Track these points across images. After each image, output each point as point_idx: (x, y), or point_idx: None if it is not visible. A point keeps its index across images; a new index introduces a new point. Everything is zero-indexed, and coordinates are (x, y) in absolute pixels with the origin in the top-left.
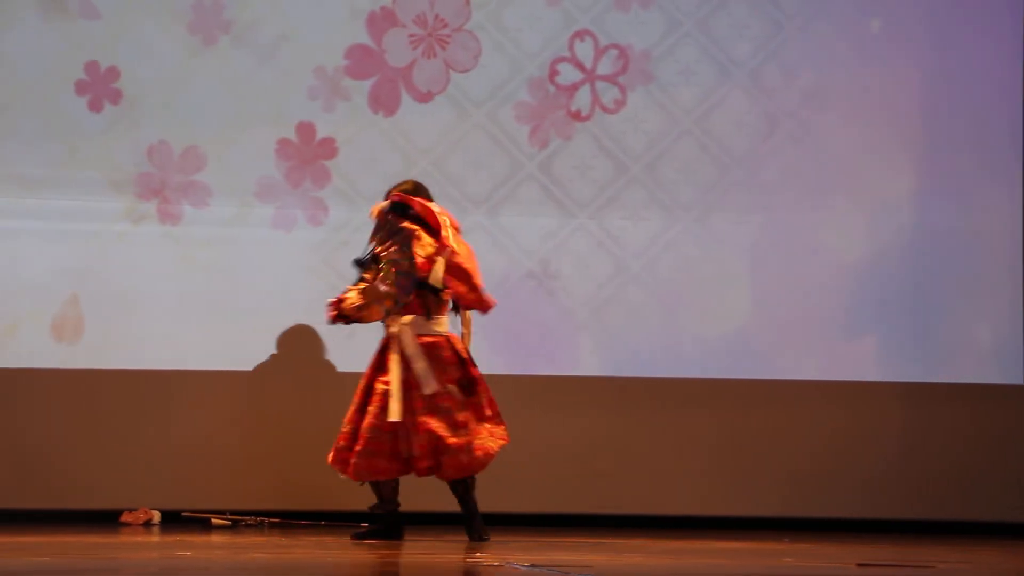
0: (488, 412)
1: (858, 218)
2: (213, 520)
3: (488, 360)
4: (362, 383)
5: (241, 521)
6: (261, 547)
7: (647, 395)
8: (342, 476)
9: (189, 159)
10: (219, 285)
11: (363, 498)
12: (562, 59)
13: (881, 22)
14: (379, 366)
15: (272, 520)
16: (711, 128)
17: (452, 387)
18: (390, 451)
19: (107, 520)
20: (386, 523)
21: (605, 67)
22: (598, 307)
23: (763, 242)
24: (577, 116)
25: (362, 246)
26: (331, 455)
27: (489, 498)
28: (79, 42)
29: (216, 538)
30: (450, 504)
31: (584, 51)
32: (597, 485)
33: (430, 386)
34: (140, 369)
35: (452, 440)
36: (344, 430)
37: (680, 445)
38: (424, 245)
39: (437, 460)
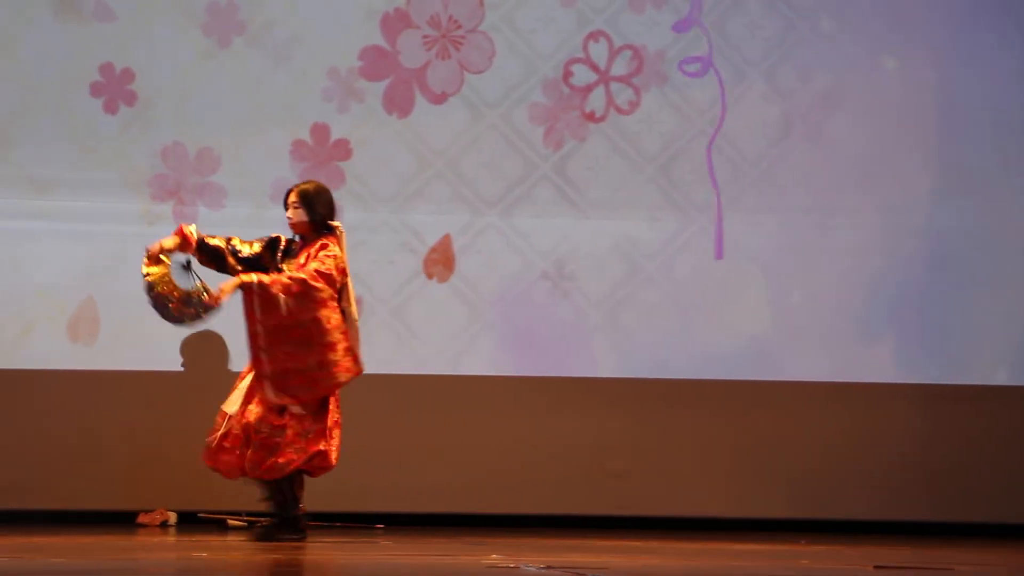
0: (326, 424)
1: (873, 219)
2: (229, 521)
3: (503, 361)
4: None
5: (257, 522)
6: (277, 548)
7: (662, 396)
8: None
9: (204, 161)
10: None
11: (379, 499)
12: (576, 60)
13: (895, 22)
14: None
15: None
16: (725, 129)
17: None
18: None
19: (124, 521)
20: (293, 521)
21: (619, 68)
22: (613, 308)
23: (778, 243)
24: (591, 117)
25: (378, 247)
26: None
27: (504, 499)
28: (94, 44)
29: (232, 539)
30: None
31: (598, 52)
32: (612, 486)
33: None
34: (155, 370)
35: (265, 441)
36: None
37: (695, 447)
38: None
39: (243, 453)
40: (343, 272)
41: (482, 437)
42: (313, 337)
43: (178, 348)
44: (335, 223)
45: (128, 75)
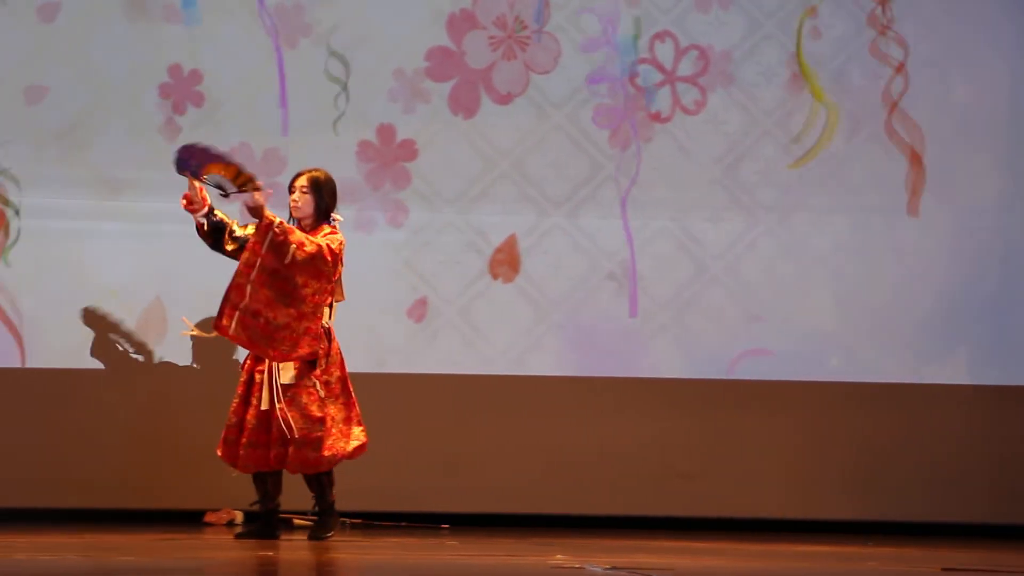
0: (351, 413)
1: (943, 219)
2: (295, 520)
3: (567, 362)
4: (243, 376)
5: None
6: (343, 548)
7: (728, 397)
8: (234, 472)
9: (270, 161)
10: None
11: (445, 500)
12: (642, 60)
13: (969, 23)
14: (257, 356)
15: (354, 521)
16: (792, 129)
17: (317, 382)
18: (265, 442)
19: (191, 520)
20: (264, 521)
21: (685, 68)
22: (679, 309)
23: (845, 244)
24: (657, 117)
25: (443, 247)
26: (220, 448)
27: (569, 500)
28: (163, 45)
29: (298, 538)
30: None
31: (664, 52)
32: (678, 487)
33: (287, 375)
34: (221, 370)
35: (301, 432)
36: (230, 422)
37: (762, 447)
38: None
39: (285, 450)
40: (342, 263)
41: (547, 438)
42: (294, 298)
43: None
44: (336, 215)
45: (196, 76)
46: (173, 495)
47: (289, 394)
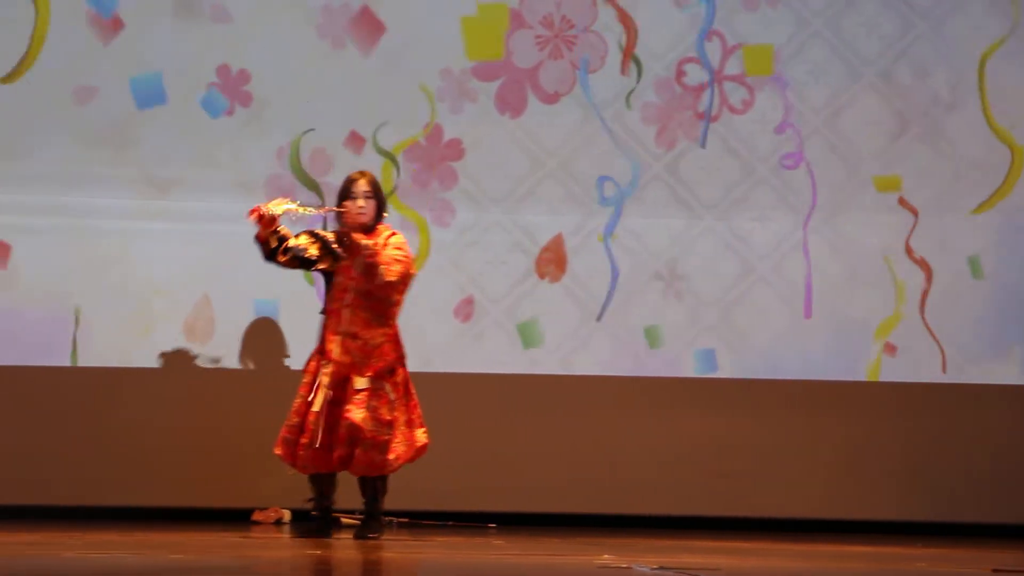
0: (413, 416)
1: (993, 219)
2: (343, 519)
3: (613, 362)
4: (307, 377)
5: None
6: (390, 547)
7: (775, 397)
8: (291, 471)
9: (318, 161)
10: None
11: (492, 499)
12: (689, 59)
13: (1017, 20)
14: (322, 358)
15: (401, 520)
16: (840, 128)
17: (387, 384)
18: (329, 443)
19: (239, 519)
20: (319, 520)
21: (733, 67)
22: (726, 309)
23: (894, 243)
24: (704, 116)
25: (490, 247)
26: (279, 447)
27: (616, 500)
28: (211, 45)
29: (346, 537)
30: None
31: (711, 51)
32: (725, 487)
33: (361, 381)
34: (268, 369)
35: (370, 435)
36: (291, 422)
37: (809, 448)
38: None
39: (351, 451)
40: None
41: (593, 437)
42: (387, 316)
43: (294, 348)
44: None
45: (244, 76)
46: (222, 494)
47: (359, 397)
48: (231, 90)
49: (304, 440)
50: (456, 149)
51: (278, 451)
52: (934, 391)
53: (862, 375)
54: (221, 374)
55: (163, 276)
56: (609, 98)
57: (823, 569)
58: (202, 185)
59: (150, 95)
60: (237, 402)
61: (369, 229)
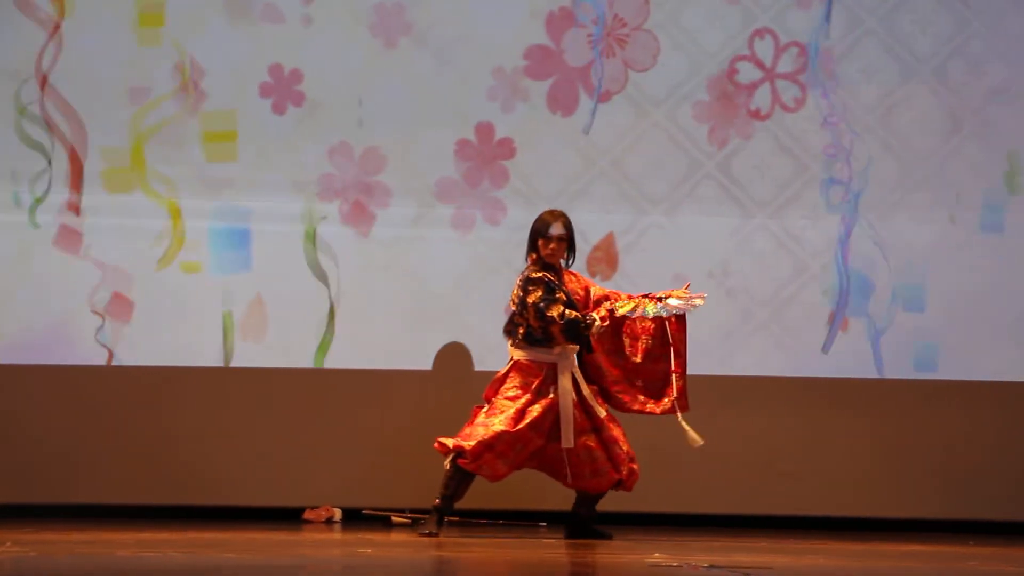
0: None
1: None
2: (393, 518)
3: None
4: (524, 403)
5: (421, 519)
6: (440, 545)
7: (828, 395)
8: (448, 462)
9: (370, 160)
10: (401, 285)
11: (543, 497)
12: (741, 57)
13: None
14: (541, 388)
15: (451, 518)
16: (894, 126)
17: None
18: (513, 460)
19: (290, 517)
20: (437, 519)
21: (785, 65)
22: (778, 307)
23: (946, 241)
24: (756, 115)
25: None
26: (468, 444)
27: (667, 498)
28: (263, 46)
29: (396, 536)
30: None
31: (764, 49)
32: (778, 486)
33: (601, 409)
34: (323, 368)
35: (611, 454)
36: (496, 431)
37: (861, 446)
38: None
39: (630, 468)
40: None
41: (646, 436)
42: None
43: (342, 347)
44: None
45: (296, 76)
46: (273, 493)
47: (606, 422)
48: (283, 89)
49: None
50: (507, 148)
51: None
52: (988, 389)
53: (913, 373)
54: (272, 374)
55: (216, 275)
56: (661, 96)
57: (876, 568)
58: (255, 185)
59: (204, 94)
60: (289, 401)
61: (561, 271)
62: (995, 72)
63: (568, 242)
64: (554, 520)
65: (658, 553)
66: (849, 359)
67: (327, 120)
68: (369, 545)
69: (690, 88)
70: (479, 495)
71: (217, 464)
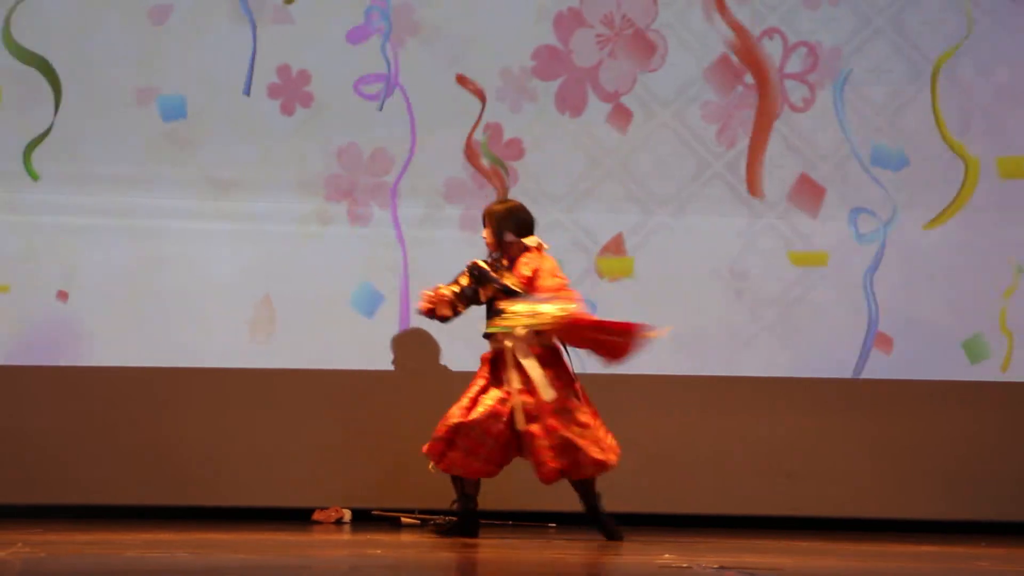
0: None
1: None
2: (402, 519)
3: (673, 360)
4: (476, 391)
5: (430, 520)
6: (450, 546)
7: (836, 396)
8: (432, 467)
9: (378, 161)
10: (408, 285)
11: (553, 498)
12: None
13: None
14: (494, 376)
15: (450, 518)
16: (903, 125)
17: (573, 392)
18: (487, 455)
19: (299, 518)
20: (464, 520)
21: (794, 65)
22: (786, 307)
23: (956, 241)
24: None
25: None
26: (428, 445)
27: (676, 499)
28: (271, 46)
29: (405, 537)
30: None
31: (773, 49)
32: (787, 487)
33: (548, 393)
34: (330, 369)
35: (582, 441)
36: (450, 423)
37: (871, 447)
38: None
39: (572, 459)
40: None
41: (654, 437)
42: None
43: (352, 347)
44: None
45: (304, 77)
46: (282, 494)
47: (560, 407)
48: (291, 90)
49: (458, 443)
50: (516, 148)
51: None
52: (996, 390)
53: (923, 374)
54: (281, 374)
55: (224, 276)
56: (669, 96)
57: (883, 568)
58: (262, 185)
59: (210, 96)
60: (296, 401)
61: (499, 257)
62: (1002, 72)
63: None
64: (564, 521)
65: (668, 554)
66: (858, 360)
67: (335, 121)
68: (378, 546)
69: (698, 88)
70: (489, 496)
71: (226, 465)
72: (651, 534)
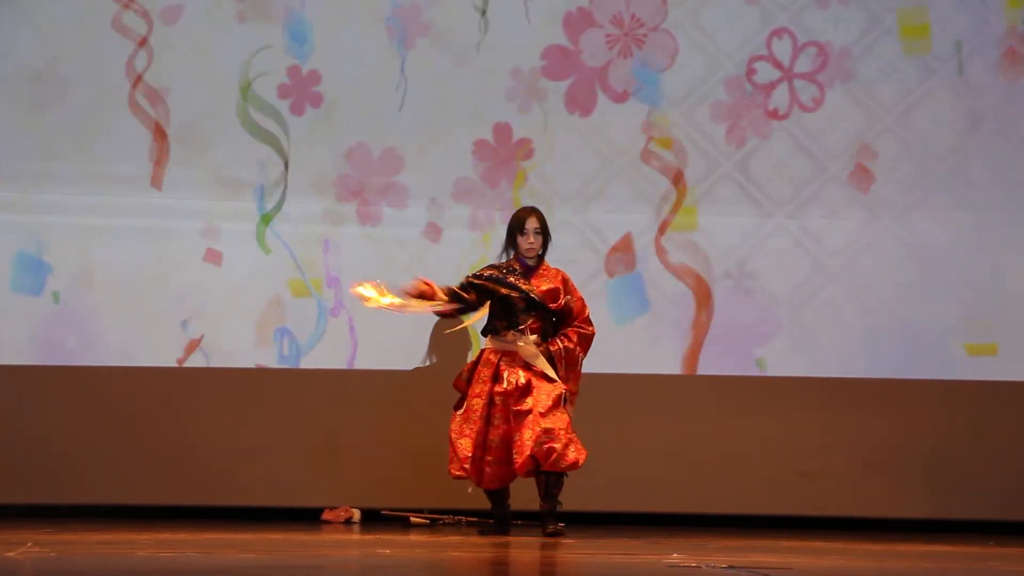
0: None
1: None
2: (412, 519)
3: (683, 360)
4: (479, 399)
5: (439, 520)
6: (459, 546)
7: (847, 395)
8: (472, 487)
9: (388, 161)
10: None
11: (562, 498)
12: (760, 57)
13: None
14: (494, 378)
15: (470, 519)
16: (913, 125)
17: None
18: (508, 457)
19: (309, 518)
20: (502, 521)
21: (803, 65)
22: (796, 307)
23: (967, 241)
24: (775, 115)
25: (559, 246)
26: (457, 466)
27: (686, 499)
28: (281, 46)
29: (415, 536)
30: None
31: (782, 49)
32: (797, 486)
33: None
34: (342, 369)
35: (562, 438)
36: (473, 441)
37: (882, 446)
38: None
39: (545, 449)
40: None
41: (665, 436)
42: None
43: (362, 347)
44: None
45: (314, 77)
46: (292, 493)
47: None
48: (301, 90)
49: (489, 457)
50: (525, 148)
51: (458, 472)
52: (1009, 389)
53: (935, 374)
54: (291, 374)
55: (235, 277)
56: (679, 96)
57: (896, 568)
58: (272, 185)
59: (221, 97)
60: (312, 403)
61: (536, 264)
62: (1012, 70)
63: (543, 235)
64: (572, 521)
65: (676, 554)
66: (868, 360)
67: (345, 121)
68: (388, 546)
69: (708, 88)
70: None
71: (236, 465)
72: (660, 533)
